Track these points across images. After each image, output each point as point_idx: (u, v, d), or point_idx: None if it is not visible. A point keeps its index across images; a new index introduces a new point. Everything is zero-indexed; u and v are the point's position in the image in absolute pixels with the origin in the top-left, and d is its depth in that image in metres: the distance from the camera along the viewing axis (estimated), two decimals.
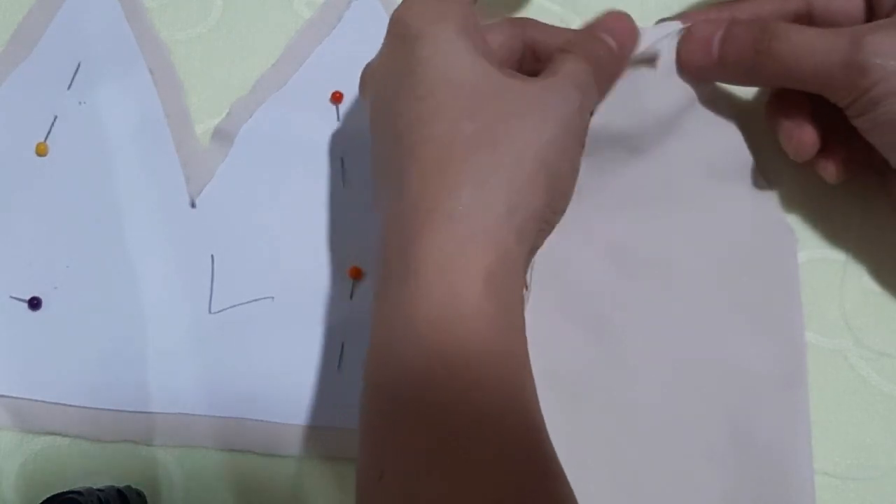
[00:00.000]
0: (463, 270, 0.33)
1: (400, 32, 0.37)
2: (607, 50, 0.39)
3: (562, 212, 0.38)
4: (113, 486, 0.39)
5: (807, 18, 0.42)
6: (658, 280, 0.41)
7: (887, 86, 0.36)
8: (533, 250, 0.37)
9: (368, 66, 0.40)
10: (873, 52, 0.36)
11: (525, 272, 0.36)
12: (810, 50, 0.37)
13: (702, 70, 0.41)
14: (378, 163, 0.38)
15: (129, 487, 0.39)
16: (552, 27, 0.42)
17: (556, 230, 0.41)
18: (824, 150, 0.41)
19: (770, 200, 0.43)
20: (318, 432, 0.41)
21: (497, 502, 0.30)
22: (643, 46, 0.40)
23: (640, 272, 0.42)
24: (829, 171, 0.41)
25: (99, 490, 0.38)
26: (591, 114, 0.39)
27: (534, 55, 0.42)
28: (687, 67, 0.41)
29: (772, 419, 0.39)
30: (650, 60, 0.40)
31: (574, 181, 0.38)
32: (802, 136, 0.40)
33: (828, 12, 0.42)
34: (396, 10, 0.38)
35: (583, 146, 0.38)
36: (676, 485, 0.38)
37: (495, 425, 0.31)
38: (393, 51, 0.38)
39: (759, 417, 0.39)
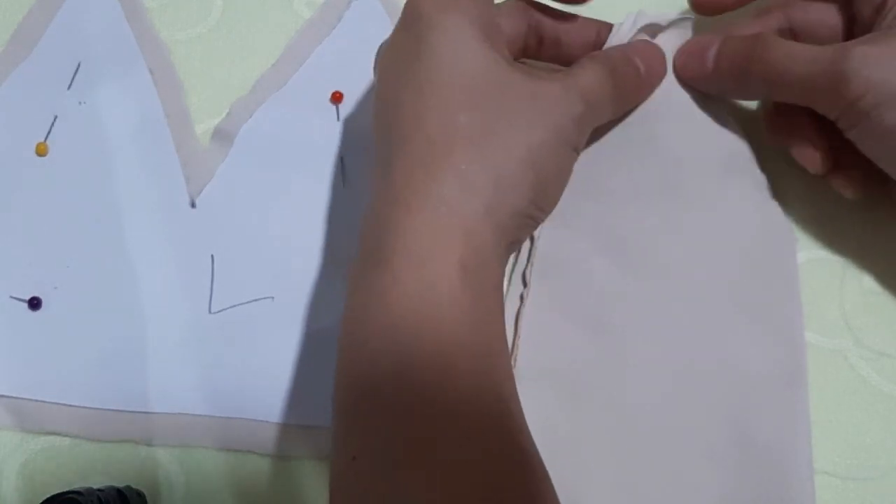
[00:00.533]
0: (438, 260, 0.33)
1: (412, 17, 0.37)
2: (635, 70, 0.40)
3: (548, 212, 0.38)
4: (113, 487, 0.39)
5: (789, 34, 0.43)
6: (658, 279, 0.41)
7: (875, 96, 0.36)
8: (513, 244, 0.38)
9: (381, 45, 0.40)
10: (858, 63, 0.36)
11: (503, 266, 0.37)
12: (798, 59, 0.38)
13: (697, 80, 0.42)
14: (376, 148, 0.38)
15: (128, 487, 0.39)
16: (559, 11, 0.42)
17: (556, 227, 0.41)
18: (839, 165, 0.41)
19: (770, 199, 0.43)
20: (318, 433, 0.41)
21: (475, 499, 0.30)
22: (645, 22, 0.41)
23: (641, 271, 0.41)
24: (846, 189, 0.42)
25: (99, 490, 0.38)
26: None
27: (538, 38, 0.42)
28: (684, 77, 0.42)
29: (772, 419, 0.39)
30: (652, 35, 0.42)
31: (563, 185, 0.38)
32: (815, 153, 0.41)
33: (807, 24, 0.42)
34: None
35: (577, 153, 0.38)
36: (676, 484, 0.38)
37: (470, 417, 0.31)
38: (403, 35, 0.38)
39: (759, 417, 0.39)
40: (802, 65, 0.38)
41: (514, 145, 0.35)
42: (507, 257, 0.37)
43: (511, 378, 0.34)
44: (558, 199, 0.39)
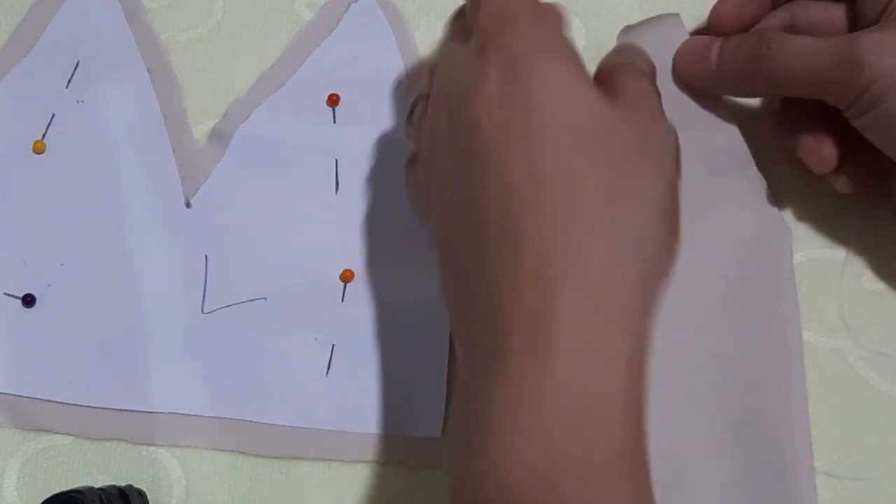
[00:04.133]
0: (605, 360, 0.28)
1: (508, 62, 0.32)
2: (651, 67, 0.38)
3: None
4: (114, 486, 0.39)
5: (791, 31, 0.43)
6: None
7: (886, 82, 0.36)
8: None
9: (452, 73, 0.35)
10: (870, 50, 0.36)
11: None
12: (807, 52, 0.38)
13: (700, 80, 0.41)
14: (471, 211, 0.32)
15: (130, 487, 0.39)
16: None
17: None
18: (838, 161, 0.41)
19: (765, 197, 0.43)
20: (312, 434, 0.41)
21: None
22: (644, 33, 0.41)
23: None
24: (842, 182, 0.41)
25: (100, 489, 0.38)
26: None
27: None
28: (685, 77, 0.41)
29: (770, 411, 0.39)
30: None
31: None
32: (822, 150, 0.40)
33: (810, 22, 0.42)
34: (497, 36, 0.32)
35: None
36: (679, 480, 0.38)
37: None
38: (500, 83, 0.32)
39: (758, 410, 0.39)
40: (812, 58, 0.38)
41: (649, 200, 0.31)
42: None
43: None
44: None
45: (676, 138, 0.33)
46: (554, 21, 0.34)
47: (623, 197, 0.30)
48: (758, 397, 0.39)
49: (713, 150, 0.42)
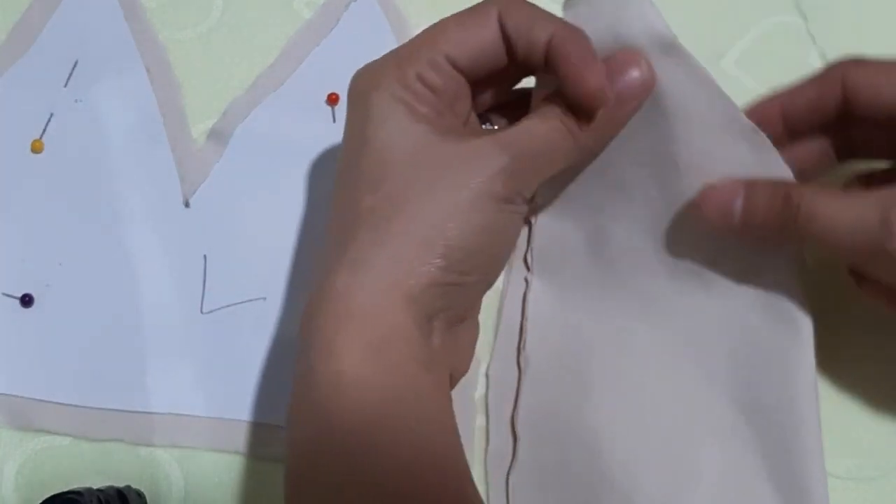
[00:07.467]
0: (342, 348, 0.33)
1: (349, 97, 0.38)
2: (597, 103, 0.37)
3: (483, 272, 0.37)
4: (113, 487, 0.39)
5: (844, 105, 0.39)
6: (656, 258, 0.41)
7: None
8: (443, 312, 0.36)
9: None
10: None
11: (427, 336, 0.36)
12: (841, 220, 0.35)
13: (723, 231, 0.38)
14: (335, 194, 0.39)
15: (128, 487, 0.39)
16: (533, 13, 0.37)
17: (552, 212, 0.42)
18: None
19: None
20: None
21: None
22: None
23: (638, 252, 0.41)
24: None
25: (99, 490, 0.38)
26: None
27: (510, 47, 0.38)
28: (708, 226, 0.38)
29: (780, 402, 0.38)
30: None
31: (498, 242, 0.37)
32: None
33: (867, 97, 0.39)
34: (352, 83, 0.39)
35: (515, 204, 0.37)
36: (685, 461, 0.38)
37: (390, 492, 0.32)
38: (348, 115, 0.39)
39: (766, 402, 0.38)
40: (847, 228, 0.35)
41: (417, 217, 0.35)
42: (438, 326, 0.36)
43: (451, 436, 0.34)
44: (499, 257, 0.38)
45: (484, 173, 0.36)
46: (393, 64, 0.37)
47: (390, 219, 0.35)
48: (766, 387, 0.38)
49: (714, 138, 0.40)
